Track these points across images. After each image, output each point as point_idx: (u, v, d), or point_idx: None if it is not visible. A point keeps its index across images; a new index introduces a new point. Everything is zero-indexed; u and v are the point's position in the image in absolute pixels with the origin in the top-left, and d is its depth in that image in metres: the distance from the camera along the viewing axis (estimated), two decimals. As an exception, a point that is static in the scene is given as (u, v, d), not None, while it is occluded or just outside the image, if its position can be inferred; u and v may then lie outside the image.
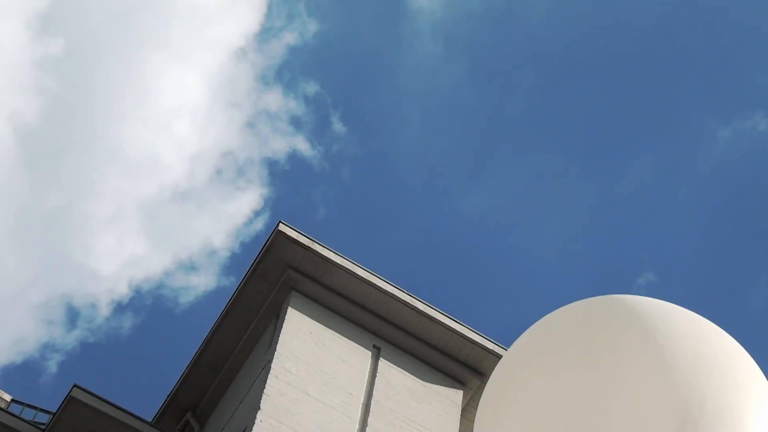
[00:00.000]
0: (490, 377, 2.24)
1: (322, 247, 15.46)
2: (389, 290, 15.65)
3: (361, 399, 14.41)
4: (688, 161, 38.53)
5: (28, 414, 20.48)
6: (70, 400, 14.05)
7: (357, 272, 15.53)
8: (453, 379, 15.72)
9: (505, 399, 2.14)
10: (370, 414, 14.18)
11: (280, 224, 15.40)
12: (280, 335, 14.44)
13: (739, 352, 2.15)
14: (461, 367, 15.74)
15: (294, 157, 38.74)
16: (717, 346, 2.13)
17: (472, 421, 16.21)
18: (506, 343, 16.18)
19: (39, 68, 37.06)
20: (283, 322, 14.77)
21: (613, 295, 2.25)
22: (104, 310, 38.21)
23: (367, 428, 13.92)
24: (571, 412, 2.01)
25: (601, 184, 39.12)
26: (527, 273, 38.76)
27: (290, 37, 39.64)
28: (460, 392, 15.67)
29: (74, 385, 14.12)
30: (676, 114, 38.97)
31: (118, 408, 14.26)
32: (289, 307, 15.01)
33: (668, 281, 37.85)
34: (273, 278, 15.46)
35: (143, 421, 14.49)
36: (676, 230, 38.30)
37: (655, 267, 38.28)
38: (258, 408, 13.19)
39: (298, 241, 15.34)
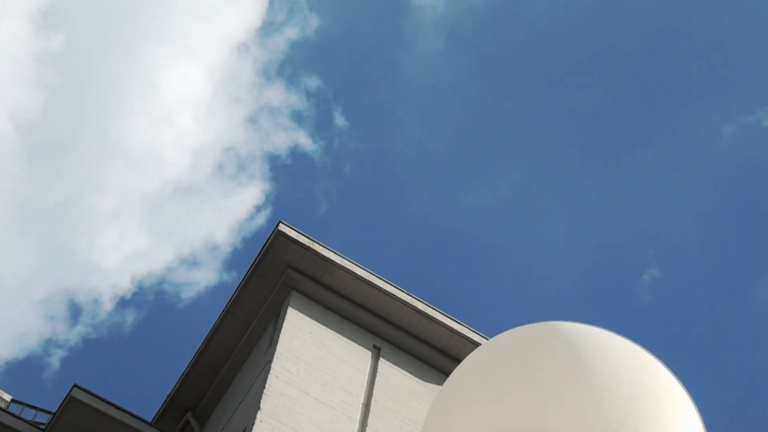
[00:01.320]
0: (434, 400, 2.33)
1: (322, 247, 15.46)
2: (389, 290, 15.65)
3: (361, 399, 14.41)
4: (692, 157, 38.44)
5: (28, 414, 20.48)
6: (70, 400, 14.05)
7: (357, 272, 15.53)
8: (453, 379, 15.70)
9: (448, 421, 2.23)
10: (370, 414, 14.18)
11: (280, 224, 15.39)
12: (280, 335, 14.44)
13: (667, 377, 2.26)
14: (461, 367, 15.73)
15: (295, 152, 38.75)
16: (646, 371, 2.23)
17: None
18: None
19: (41, 63, 37.08)
20: (283, 322, 14.77)
21: (551, 322, 2.35)
22: (107, 305, 38.20)
23: (367, 428, 13.92)
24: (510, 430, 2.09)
25: (603, 180, 39.05)
26: (528, 269, 38.70)
27: (292, 32, 39.66)
28: (460, 392, 15.67)
29: (74, 385, 14.12)
30: (680, 109, 38.89)
31: (118, 408, 14.25)
32: (289, 307, 15.00)
33: (673, 277, 37.76)
34: (273, 278, 15.46)
35: (143, 421, 14.49)
36: (680, 226, 38.21)
37: (660, 263, 38.18)
38: (258, 408, 13.18)
39: (298, 241, 15.34)
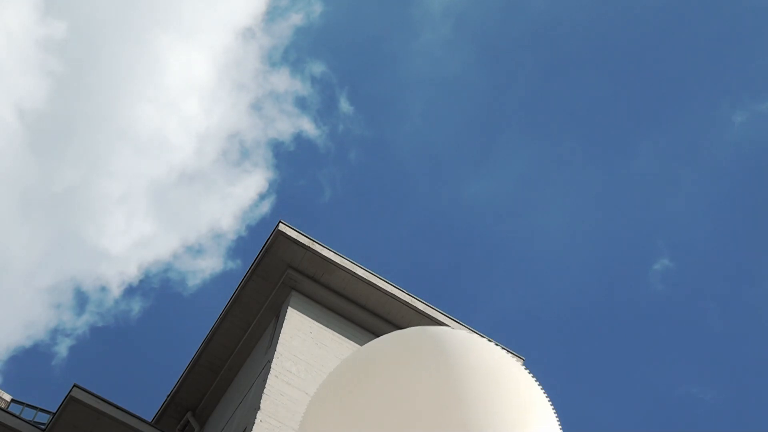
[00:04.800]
0: (314, 393, 2.45)
1: (322, 247, 15.46)
2: (389, 290, 15.65)
3: (361, 399, 14.41)
4: (702, 146, 38.33)
5: (28, 414, 20.47)
6: (70, 400, 14.05)
7: (357, 272, 15.53)
8: (453, 379, 15.71)
9: (324, 412, 2.38)
10: (370, 414, 14.17)
11: (280, 224, 15.39)
12: (280, 335, 14.44)
13: (525, 378, 2.36)
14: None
15: (300, 138, 38.74)
16: (505, 372, 2.36)
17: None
18: (508, 340, 16.20)
19: (46, 50, 37.10)
20: (283, 322, 14.77)
21: (424, 326, 2.53)
22: (115, 292, 38.24)
23: (367, 428, 13.92)
24: (377, 422, 2.23)
25: (609, 171, 38.95)
26: (532, 262, 38.63)
27: (296, 18, 39.64)
28: (460, 392, 15.67)
29: (74, 385, 14.12)
30: (690, 98, 38.79)
31: (118, 408, 14.25)
32: (289, 307, 15.00)
33: (684, 267, 37.67)
34: (273, 278, 15.46)
35: (143, 421, 14.48)
36: (691, 216, 38.13)
37: (671, 253, 38.08)
38: (258, 408, 13.18)
39: (298, 241, 15.34)
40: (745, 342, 36.53)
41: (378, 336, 15.86)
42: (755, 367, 35.37)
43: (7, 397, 20.90)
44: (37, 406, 20.84)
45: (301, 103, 39.28)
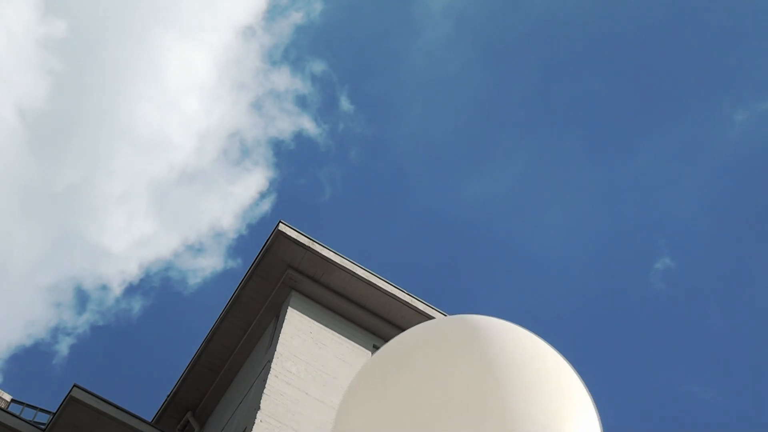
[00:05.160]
0: (351, 382, 2.45)
1: (322, 247, 15.46)
2: (389, 290, 15.64)
3: (361, 399, 14.40)
4: (704, 144, 38.28)
5: (28, 414, 20.47)
6: (70, 400, 14.05)
7: (357, 272, 15.53)
8: (453, 379, 15.70)
9: (364, 400, 2.35)
10: (370, 414, 14.17)
11: (280, 224, 15.39)
12: (280, 335, 14.44)
13: (561, 363, 2.35)
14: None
15: (300, 136, 38.75)
16: (541, 357, 2.35)
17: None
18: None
19: (46, 49, 37.14)
20: (283, 322, 14.77)
21: (460, 315, 2.50)
22: (116, 291, 38.27)
23: (367, 428, 13.92)
24: (413, 412, 2.21)
25: (610, 170, 38.92)
26: (532, 261, 38.60)
27: (297, 16, 39.65)
28: (460, 392, 15.66)
29: (74, 385, 14.12)
30: (692, 97, 38.75)
31: (118, 408, 14.25)
32: (289, 307, 15.00)
33: (685, 266, 37.64)
34: (273, 278, 15.45)
35: (143, 421, 14.48)
36: (692, 215, 38.10)
37: (672, 252, 38.05)
38: (258, 408, 13.18)
39: (298, 241, 15.34)
40: (746, 341, 36.53)
41: (378, 336, 15.84)
42: (756, 367, 35.37)
43: (7, 397, 20.90)
44: (37, 406, 20.85)
45: (302, 102, 39.31)
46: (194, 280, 39.31)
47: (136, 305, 39.02)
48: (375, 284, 15.59)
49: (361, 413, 2.28)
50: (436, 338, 2.35)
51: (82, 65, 39.87)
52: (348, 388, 2.41)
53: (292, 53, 40.03)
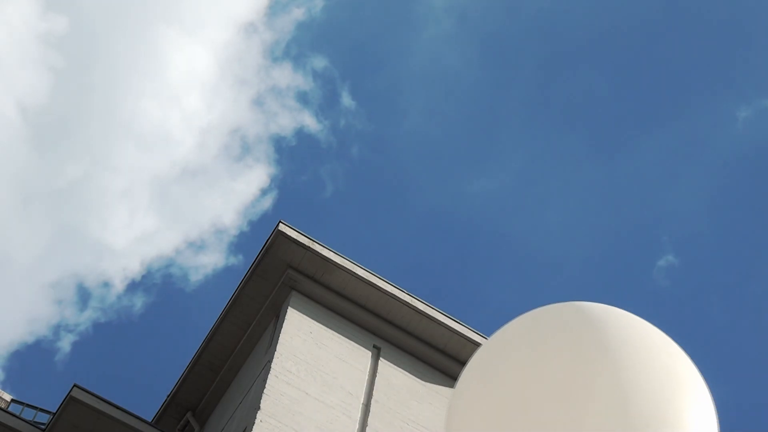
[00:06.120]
0: (460, 377, 2.37)
1: (322, 247, 15.46)
2: (389, 290, 15.65)
3: (361, 399, 14.41)
4: (706, 141, 38.18)
5: (28, 414, 20.47)
6: (70, 400, 14.05)
7: (357, 272, 15.53)
8: (453, 379, 15.70)
9: (475, 396, 2.29)
10: (370, 414, 14.17)
11: (280, 224, 15.39)
12: (280, 335, 14.44)
13: (680, 355, 2.32)
14: (461, 367, 15.70)
15: (301, 133, 38.75)
16: (661, 350, 2.30)
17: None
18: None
19: (47, 45, 37.16)
20: (283, 322, 14.77)
21: (573, 302, 2.41)
22: (118, 287, 38.26)
23: (367, 428, 13.92)
24: (533, 408, 2.15)
25: (612, 167, 38.81)
26: (534, 259, 38.53)
27: (298, 12, 39.65)
28: (460, 392, 15.65)
29: (74, 385, 14.12)
30: (694, 93, 38.67)
31: (118, 408, 14.25)
32: (289, 307, 15.00)
33: (689, 263, 37.58)
34: (273, 278, 15.46)
35: (143, 421, 14.49)
36: (695, 211, 38.03)
37: (675, 249, 37.97)
38: (258, 408, 13.18)
39: (298, 241, 15.34)
40: (750, 338, 36.51)
41: (378, 336, 15.86)
42: (760, 364, 35.35)
43: (7, 397, 20.90)
44: (37, 406, 20.84)
45: (303, 98, 39.29)
46: (196, 277, 39.33)
47: (138, 302, 39.04)
48: (375, 284, 15.59)
49: (473, 405, 2.22)
50: (550, 326, 2.28)
51: (84, 61, 39.92)
52: (460, 380, 2.34)
53: (293, 49, 40.03)
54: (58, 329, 38.55)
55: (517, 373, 2.19)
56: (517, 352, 2.25)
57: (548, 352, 2.20)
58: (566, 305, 2.38)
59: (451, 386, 15.62)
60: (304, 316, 15.04)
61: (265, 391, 13.41)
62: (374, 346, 15.44)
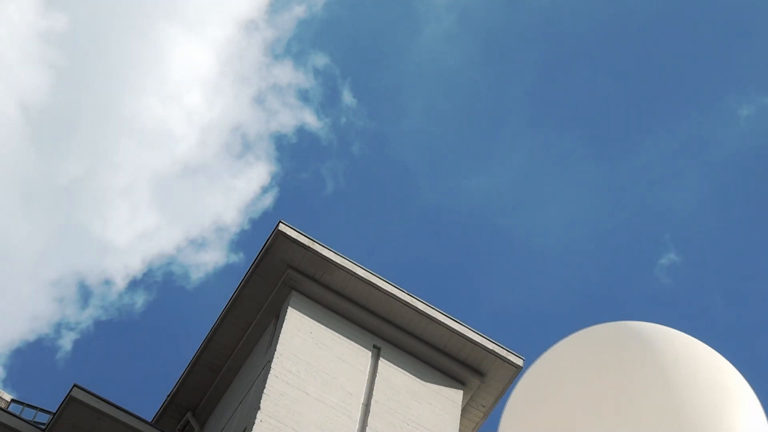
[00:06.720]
0: (514, 391, 2.36)
1: (322, 247, 15.46)
2: (389, 290, 15.65)
3: (361, 399, 14.41)
4: (708, 139, 38.09)
5: (28, 414, 20.46)
6: (70, 400, 14.05)
7: (357, 272, 15.53)
8: (453, 379, 15.71)
9: (529, 410, 2.33)
10: (370, 414, 14.18)
11: (280, 224, 15.39)
12: (280, 335, 14.44)
13: (728, 368, 2.33)
14: (461, 367, 15.73)
15: (302, 130, 38.75)
16: (710, 365, 2.32)
17: (472, 421, 16.21)
18: (508, 343, 16.17)
19: (48, 43, 37.19)
20: (283, 322, 14.77)
21: (624, 321, 2.44)
22: (119, 285, 38.27)
23: (367, 428, 13.92)
24: (588, 420, 2.19)
25: (613, 165, 38.74)
26: (535, 257, 38.48)
27: (299, 10, 39.67)
28: (460, 392, 15.67)
29: (74, 385, 14.12)
30: (696, 91, 38.59)
31: (118, 408, 14.25)
32: (289, 307, 15.00)
33: (692, 262, 37.51)
34: (273, 278, 15.46)
35: (143, 421, 14.49)
36: (698, 210, 37.96)
37: (677, 247, 37.90)
38: (258, 408, 13.19)
39: (298, 241, 15.34)
40: (752, 337, 36.51)
41: (378, 336, 15.87)
42: (762, 362, 35.35)
43: (7, 397, 20.90)
44: (37, 406, 20.83)
45: (304, 96, 39.31)
46: (197, 275, 39.36)
47: (139, 300, 39.07)
48: (375, 284, 15.59)
49: (526, 426, 2.21)
50: (599, 346, 2.26)
51: (85, 59, 39.96)
52: (510, 402, 2.33)
53: (294, 47, 40.05)
54: (59, 327, 38.56)
55: (568, 393, 2.20)
56: (568, 373, 2.26)
57: (599, 371, 2.21)
58: (614, 325, 2.40)
59: (451, 386, 15.63)
60: (304, 316, 15.04)
61: (265, 391, 13.42)
62: (374, 346, 15.44)
